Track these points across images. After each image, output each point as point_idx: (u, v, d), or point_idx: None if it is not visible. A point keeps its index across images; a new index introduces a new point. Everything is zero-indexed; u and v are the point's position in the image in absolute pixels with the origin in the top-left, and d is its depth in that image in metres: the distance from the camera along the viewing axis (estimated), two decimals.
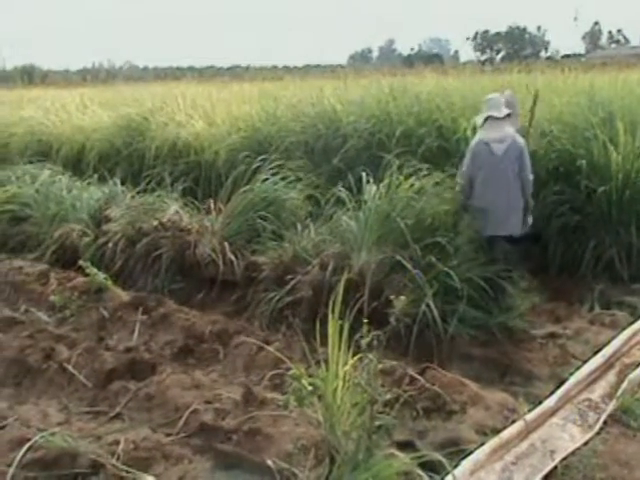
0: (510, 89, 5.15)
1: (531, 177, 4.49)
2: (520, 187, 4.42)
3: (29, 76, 23.04)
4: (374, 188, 4.73)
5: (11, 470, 2.61)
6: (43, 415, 3.21)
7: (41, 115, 9.88)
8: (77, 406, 3.35)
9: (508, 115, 4.51)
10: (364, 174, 4.95)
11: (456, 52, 71.42)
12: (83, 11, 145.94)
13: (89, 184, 6.70)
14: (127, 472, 2.67)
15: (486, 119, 4.49)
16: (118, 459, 2.75)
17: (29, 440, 2.77)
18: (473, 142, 4.54)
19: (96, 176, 7.07)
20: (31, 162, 7.70)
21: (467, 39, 68.62)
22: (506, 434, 2.77)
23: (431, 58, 35.81)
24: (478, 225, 4.38)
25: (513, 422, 2.89)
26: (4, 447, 2.78)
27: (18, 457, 2.67)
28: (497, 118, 4.45)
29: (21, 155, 8.70)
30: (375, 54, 77.44)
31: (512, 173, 4.39)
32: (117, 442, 2.88)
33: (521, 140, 4.48)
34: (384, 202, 4.49)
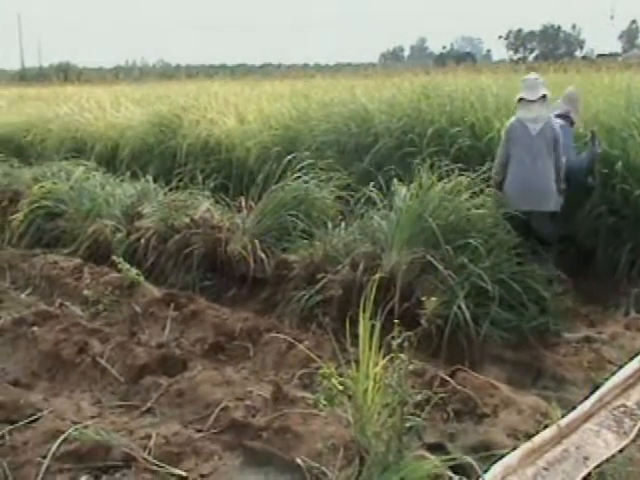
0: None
1: (564, 159, 4.73)
2: (554, 166, 4.68)
3: (65, 74, 23.39)
4: (405, 188, 4.72)
5: (46, 461, 2.65)
6: (77, 408, 3.25)
7: (76, 112, 10.04)
8: (109, 400, 3.39)
9: (543, 97, 4.71)
10: (395, 174, 4.94)
11: (488, 51, 70.74)
12: (117, 9, 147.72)
13: (122, 181, 6.78)
14: (159, 466, 2.69)
15: (519, 100, 4.76)
16: (150, 453, 2.77)
17: (63, 432, 2.82)
18: (508, 122, 4.85)
19: (129, 173, 7.17)
20: (66, 158, 7.82)
21: (500, 38, 67.93)
22: (539, 439, 2.73)
23: (463, 57, 35.52)
24: (514, 202, 4.60)
25: (546, 427, 2.85)
26: (39, 439, 2.82)
27: (53, 449, 2.72)
28: (530, 100, 4.69)
29: (57, 152, 8.86)
30: (407, 53, 77.07)
31: (546, 151, 4.67)
32: (149, 436, 2.90)
33: (556, 125, 4.74)
34: (415, 202, 4.46)
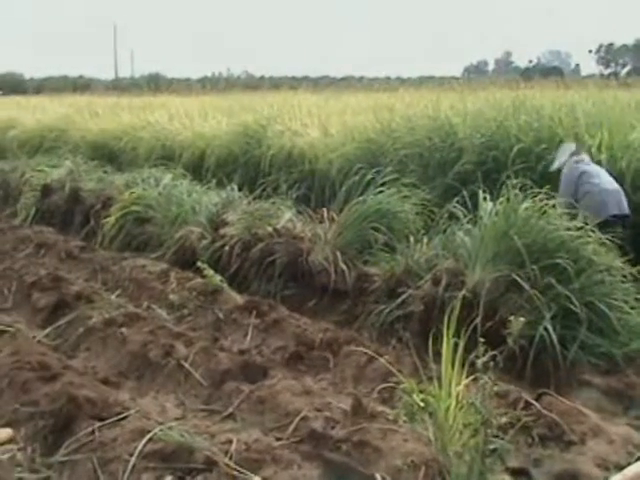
0: None
1: None
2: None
3: (155, 84, 24.28)
4: (490, 205, 4.64)
5: (133, 459, 2.74)
6: (161, 409, 3.35)
7: (166, 121, 10.40)
8: (193, 403, 3.48)
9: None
10: (480, 190, 4.87)
11: (577, 65, 68.51)
12: (205, 23, 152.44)
13: (208, 188, 6.96)
14: (239, 472, 2.73)
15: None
16: (231, 458, 2.81)
17: (149, 432, 2.89)
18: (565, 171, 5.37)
19: (215, 181, 7.35)
20: (156, 166, 8.11)
21: (590, 52, 65.74)
22: (630, 471, 2.61)
23: (550, 71, 34.57)
24: (598, 209, 4.83)
25: (638, 459, 2.72)
26: (127, 436, 2.90)
27: (139, 447, 2.80)
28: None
29: (147, 159, 9.19)
30: (491, 67, 75.75)
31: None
32: (230, 441, 2.94)
33: None
34: (501, 219, 4.38)
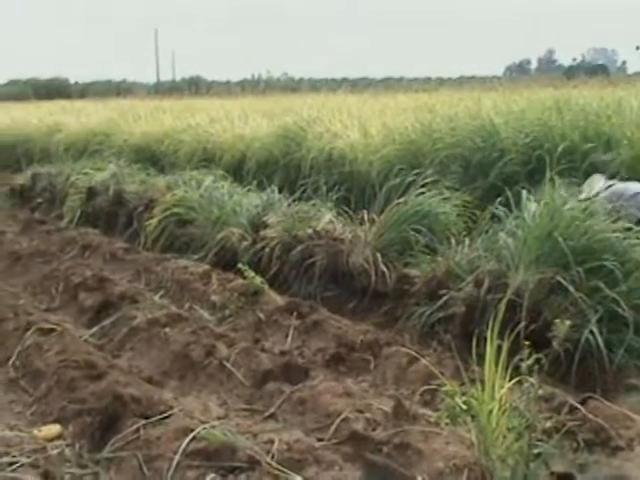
0: None
1: None
2: None
3: (196, 87, 24.60)
4: (534, 205, 4.57)
5: (177, 457, 2.78)
6: (204, 408, 3.39)
7: (207, 123, 10.52)
8: (235, 403, 3.52)
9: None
10: (523, 190, 4.80)
11: (624, 63, 66.91)
12: (244, 26, 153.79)
13: (249, 190, 7.02)
14: (281, 471, 2.75)
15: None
16: (273, 458, 2.84)
17: (192, 431, 2.93)
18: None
19: (255, 183, 7.41)
20: (197, 168, 8.21)
21: (637, 48, 64.12)
22: None
23: (595, 69, 33.83)
24: None
25: None
26: (171, 435, 2.95)
27: (183, 446, 2.84)
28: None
29: (188, 161, 9.31)
30: (534, 65, 74.50)
31: None
32: (272, 441, 2.96)
33: None
34: (545, 220, 4.31)
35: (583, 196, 5.26)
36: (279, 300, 4.81)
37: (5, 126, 15.96)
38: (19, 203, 9.95)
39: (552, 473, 2.65)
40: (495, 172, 6.21)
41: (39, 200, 9.52)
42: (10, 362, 3.98)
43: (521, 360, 2.54)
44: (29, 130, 14.54)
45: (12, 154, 14.55)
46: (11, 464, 2.67)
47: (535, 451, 2.53)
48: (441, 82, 18.62)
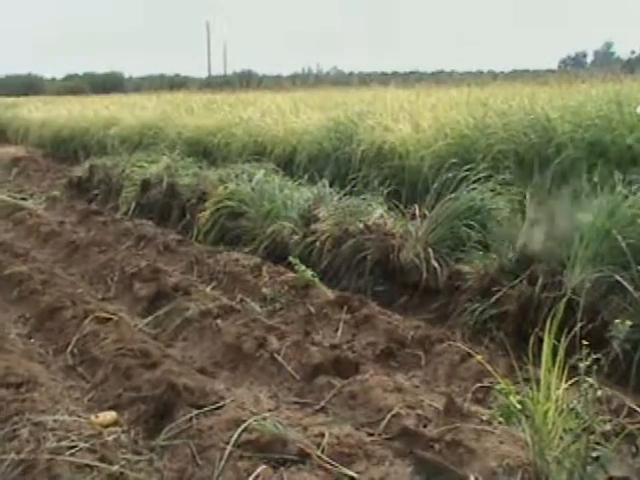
0: None
1: None
2: None
3: (247, 81, 24.78)
4: (592, 202, 4.46)
5: (229, 447, 2.81)
6: (255, 400, 3.43)
7: (258, 117, 10.58)
8: (285, 395, 3.54)
9: None
10: (579, 187, 4.69)
11: None
12: (294, 21, 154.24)
13: (299, 184, 7.05)
14: (331, 465, 2.76)
15: None
16: (323, 451, 2.85)
17: (244, 422, 2.97)
18: None
19: (306, 177, 7.43)
20: (248, 161, 8.27)
21: None
22: None
23: None
24: None
25: None
26: (223, 425, 2.99)
27: (234, 436, 2.88)
28: None
29: (240, 154, 9.38)
30: (590, 58, 72.44)
31: None
32: (322, 435, 2.98)
33: None
34: (603, 217, 4.20)
35: None
36: (329, 294, 4.82)
37: (63, 120, 16.39)
38: (77, 194, 10.22)
39: (610, 478, 2.59)
40: (551, 168, 6.06)
41: (96, 192, 9.76)
42: (68, 349, 4.10)
43: (579, 360, 2.49)
44: (86, 123, 14.90)
45: (70, 147, 14.96)
46: (70, 448, 2.75)
47: (593, 454, 2.47)
48: (494, 76, 18.24)
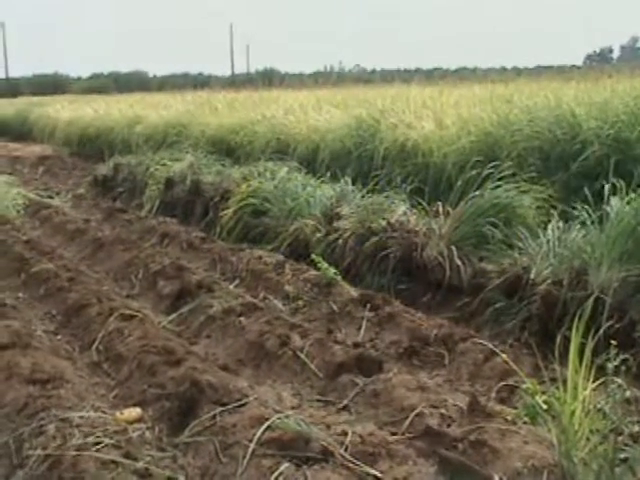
0: None
1: None
2: None
3: (269, 79, 24.81)
4: (618, 199, 4.39)
5: (252, 445, 2.82)
6: (278, 398, 3.43)
7: (281, 115, 10.58)
8: (308, 393, 3.54)
9: None
10: (606, 183, 4.62)
11: None
12: (317, 19, 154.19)
13: (322, 182, 7.05)
14: (354, 464, 2.75)
15: None
16: (346, 450, 2.84)
17: (267, 420, 2.96)
18: None
19: (328, 174, 7.42)
20: (271, 159, 8.29)
21: None
22: None
23: None
24: None
25: None
26: (246, 422, 2.99)
27: (258, 434, 2.88)
28: None
29: (262, 152, 9.39)
30: (616, 53, 71.38)
31: None
32: (345, 433, 2.97)
33: None
34: (630, 215, 4.14)
35: None
36: (352, 292, 4.81)
37: (89, 118, 16.54)
38: (101, 192, 10.33)
39: None
40: (577, 165, 5.99)
41: (120, 189, 9.86)
42: (94, 346, 4.14)
43: (607, 360, 2.46)
44: (111, 122, 15.04)
45: (95, 145, 15.11)
46: (95, 444, 2.77)
47: (621, 456, 2.43)
48: (518, 72, 18.06)
